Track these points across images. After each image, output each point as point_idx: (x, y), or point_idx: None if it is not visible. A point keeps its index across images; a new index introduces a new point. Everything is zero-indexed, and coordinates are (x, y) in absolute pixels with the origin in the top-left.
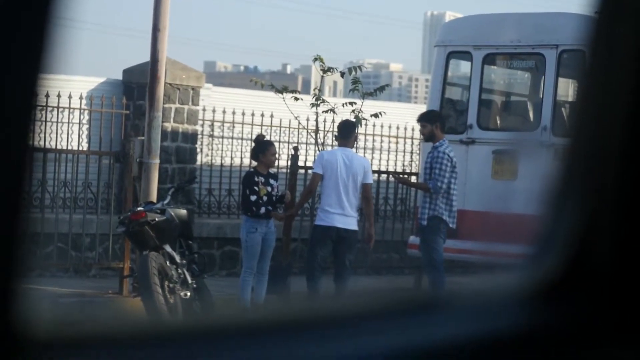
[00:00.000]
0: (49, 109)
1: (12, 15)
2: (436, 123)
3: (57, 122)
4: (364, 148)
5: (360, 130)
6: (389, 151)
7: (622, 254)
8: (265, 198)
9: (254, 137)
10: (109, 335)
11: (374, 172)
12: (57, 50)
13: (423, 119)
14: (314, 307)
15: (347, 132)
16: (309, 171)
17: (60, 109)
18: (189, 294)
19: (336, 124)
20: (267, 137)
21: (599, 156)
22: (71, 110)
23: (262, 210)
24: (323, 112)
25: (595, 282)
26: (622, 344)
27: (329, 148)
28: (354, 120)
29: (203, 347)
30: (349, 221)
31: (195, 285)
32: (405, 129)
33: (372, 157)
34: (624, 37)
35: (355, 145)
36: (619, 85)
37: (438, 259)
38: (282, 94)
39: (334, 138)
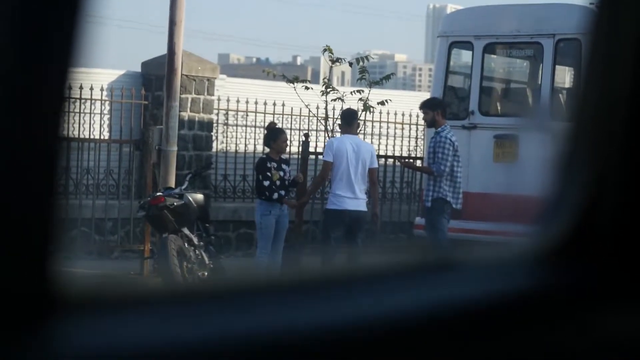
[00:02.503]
0: (73, 100)
1: (46, 12)
2: (437, 110)
3: (80, 112)
4: (372, 134)
5: (368, 117)
6: (394, 137)
7: (629, 217)
8: (278, 182)
9: (266, 125)
10: (135, 296)
11: (380, 156)
12: (82, 45)
13: (425, 106)
14: (328, 268)
15: (349, 120)
16: (319, 157)
17: (83, 100)
18: (206, 273)
19: None
20: (279, 125)
21: (593, 136)
22: (93, 101)
23: (275, 195)
24: (332, 100)
25: (602, 245)
26: (630, 306)
27: (338, 134)
28: (354, 108)
29: (222, 305)
30: (359, 203)
31: (212, 266)
32: (410, 115)
33: (379, 143)
34: (619, 26)
35: (361, 132)
36: (615, 73)
37: (443, 238)
38: (293, 83)
39: (338, 126)
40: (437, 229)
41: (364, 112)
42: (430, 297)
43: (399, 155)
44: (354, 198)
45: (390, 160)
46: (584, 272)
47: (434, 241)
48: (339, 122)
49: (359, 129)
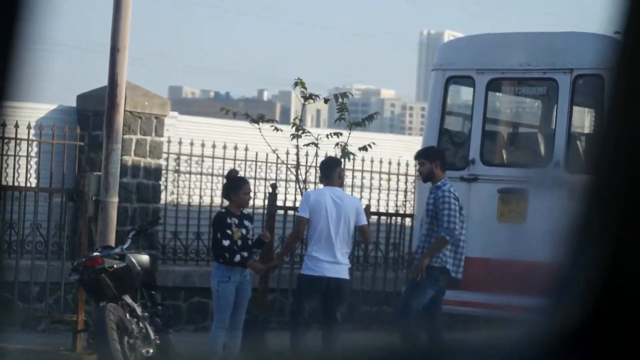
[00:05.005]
0: None
1: None
2: (436, 161)
3: (1, 154)
4: (352, 185)
5: (347, 165)
6: (379, 189)
7: None
8: (239, 242)
9: (226, 173)
10: None
11: None
12: (6, 74)
13: (422, 156)
14: (298, 354)
15: (328, 171)
16: (289, 212)
17: (6, 140)
18: (151, 351)
19: (319, 158)
20: (241, 173)
21: (621, 194)
22: (18, 141)
23: (237, 258)
24: (305, 145)
25: (620, 331)
26: None
27: (312, 185)
28: (335, 156)
29: None
30: (341, 269)
31: (158, 342)
32: (399, 164)
33: (361, 196)
34: None
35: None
36: None
37: (415, 309)
38: (257, 123)
39: (317, 178)
40: (417, 296)
41: (343, 159)
42: None
43: (384, 211)
44: (334, 263)
45: (374, 218)
46: None
47: (404, 308)
48: (317, 171)
49: (342, 180)
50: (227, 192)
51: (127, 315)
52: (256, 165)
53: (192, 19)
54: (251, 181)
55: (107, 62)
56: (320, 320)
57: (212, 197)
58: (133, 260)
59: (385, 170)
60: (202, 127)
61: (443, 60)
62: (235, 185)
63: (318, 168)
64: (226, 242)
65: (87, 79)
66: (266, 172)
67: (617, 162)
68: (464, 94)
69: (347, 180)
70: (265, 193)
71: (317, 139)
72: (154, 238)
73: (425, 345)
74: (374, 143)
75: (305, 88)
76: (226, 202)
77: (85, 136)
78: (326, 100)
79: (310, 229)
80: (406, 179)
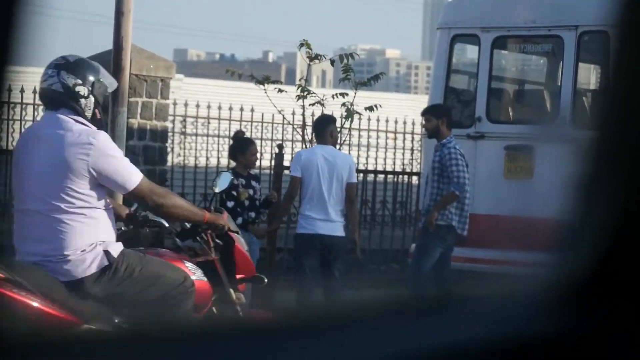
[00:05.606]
0: None
1: None
2: (442, 118)
3: (7, 119)
4: (358, 145)
5: (354, 125)
6: (386, 148)
7: None
8: (247, 203)
9: (232, 134)
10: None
11: (368, 172)
12: (8, 40)
13: (429, 112)
14: (310, 312)
15: (320, 129)
16: None
17: (12, 105)
18: None
19: None
20: (247, 134)
21: (626, 149)
22: (24, 106)
23: (239, 220)
24: (310, 105)
25: (627, 282)
26: None
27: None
28: (328, 114)
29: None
30: (334, 227)
31: None
32: (405, 123)
33: (367, 155)
34: None
35: (340, 142)
36: None
37: (425, 270)
38: (263, 85)
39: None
40: (426, 256)
41: (348, 120)
42: (427, 344)
43: (390, 170)
44: (326, 220)
45: (380, 177)
46: (605, 313)
47: (415, 271)
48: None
49: (342, 138)
50: (233, 153)
51: None
52: (262, 126)
53: None
54: (257, 142)
55: (112, 26)
56: (320, 278)
57: (218, 158)
58: None
59: (391, 129)
60: (208, 89)
61: (448, 18)
62: (241, 146)
63: (312, 126)
64: (230, 204)
65: (93, 43)
66: (272, 133)
67: (622, 118)
68: (469, 53)
69: (354, 139)
70: (271, 153)
71: (322, 99)
72: None
73: (433, 301)
74: (380, 105)
75: (311, 49)
76: (233, 163)
77: None
78: (332, 62)
79: (302, 187)
80: (412, 138)
